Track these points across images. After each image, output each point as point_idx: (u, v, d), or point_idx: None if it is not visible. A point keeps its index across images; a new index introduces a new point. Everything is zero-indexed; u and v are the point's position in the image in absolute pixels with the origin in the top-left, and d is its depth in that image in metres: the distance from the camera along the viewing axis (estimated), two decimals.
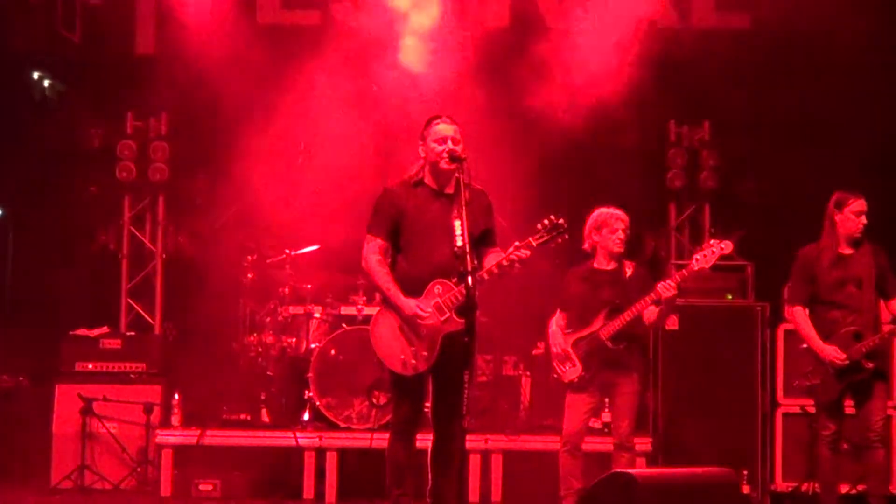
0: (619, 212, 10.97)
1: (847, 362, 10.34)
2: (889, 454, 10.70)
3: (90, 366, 13.95)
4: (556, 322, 11.07)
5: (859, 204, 10.58)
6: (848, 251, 10.59)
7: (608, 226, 10.89)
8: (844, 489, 11.33)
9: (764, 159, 14.39)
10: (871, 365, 10.37)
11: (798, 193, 13.66)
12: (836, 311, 10.52)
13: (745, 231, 13.31)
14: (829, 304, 10.56)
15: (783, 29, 14.10)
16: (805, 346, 10.70)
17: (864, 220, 10.58)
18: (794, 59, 13.98)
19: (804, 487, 13.01)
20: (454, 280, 9.07)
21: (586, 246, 10.99)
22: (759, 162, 14.47)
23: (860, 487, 11.25)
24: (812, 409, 12.81)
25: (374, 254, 9.44)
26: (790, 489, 13.16)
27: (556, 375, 10.99)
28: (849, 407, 10.81)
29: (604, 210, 11.00)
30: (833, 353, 10.37)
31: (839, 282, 10.52)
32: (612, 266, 10.96)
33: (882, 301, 10.66)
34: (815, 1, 13.42)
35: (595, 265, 11.00)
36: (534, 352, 13.72)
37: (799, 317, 10.72)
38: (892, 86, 14.10)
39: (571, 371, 10.85)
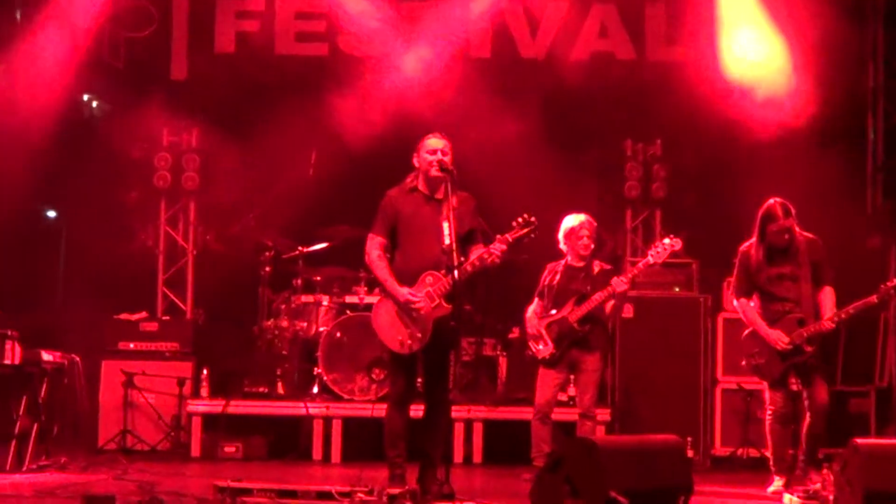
0: (585, 219, 11.16)
1: (790, 347, 10.28)
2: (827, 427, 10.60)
3: (131, 345, 13.95)
4: (532, 308, 11.19)
5: (771, 207, 10.39)
6: (777, 246, 10.43)
7: (575, 233, 11.14)
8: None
9: (706, 172, 14.39)
10: (810, 349, 10.26)
11: (734, 200, 13.69)
12: (777, 302, 10.43)
13: (690, 233, 13.30)
14: (769, 295, 10.48)
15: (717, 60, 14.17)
16: (749, 331, 10.59)
17: (773, 225, 10.36)
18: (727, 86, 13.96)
19: (739, 452, 13.11)
20: (443, 272, 9.19)
21: (561, 247, 11.16)
22: (701, 174, 14.47)
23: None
24: (746, 387, 12.97)
25: (375, 250, 9.57)
26: (727, 453, 13.21)
27: (530, 353, 11.18)
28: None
29: (570, 219, 11.18)
30: (777, 338, 10.28)
31: (777, 276, 10.43)
32: (581, 264, 11.15)
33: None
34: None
35: (568, 262, 11.17)
36: (510, 336, 13.73)
37: (743, 307, 10.62)
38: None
39: (544, 349, 10.99)
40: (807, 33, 13.76)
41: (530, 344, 11.18)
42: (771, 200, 10.43)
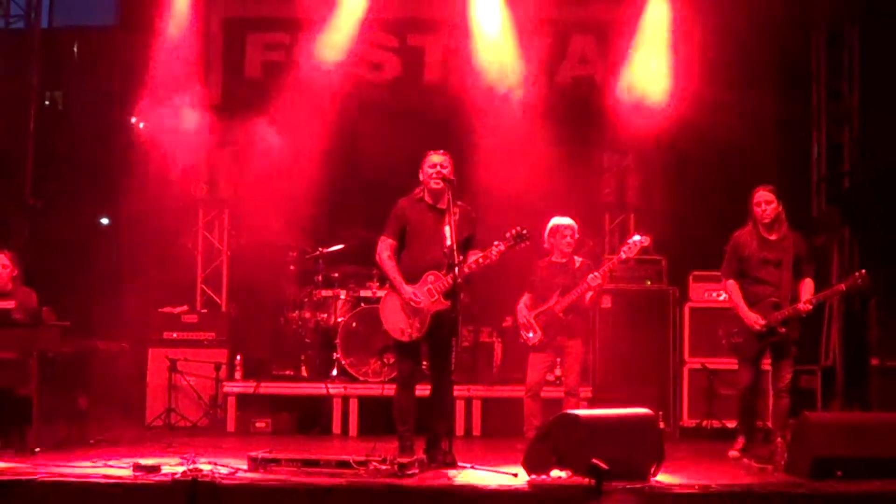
0: (567, 221, 11.24)
1: (765, 328, 10.30)
2: (791, 403, 10.60)
3: (174, 335, 13.97)
4: (523, 301, 11.29)
5: (759, 195, 10.47)
6: (772, 236, 10.44)
7: (559, 233, 11.23)
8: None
9: (673, 181, 14.39)
10: (783, 330, 10.30)
11: (698, 206, 13.74)
12: (759, 285, 10.43)
13: (659, 234, 13.29)
14: (753, 279, 10.47)
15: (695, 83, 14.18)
16: (732, 311, 10.59)
17: (765, 208, 10.43)
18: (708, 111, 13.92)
19: (704, 423, 13.11)
20: (443, 272, 9.32)
21: (546, 245, 11.20)
22: (669, 183, 14.46)
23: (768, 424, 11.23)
24: (711, 367, 13.00)
25: (386, 251, 9.76)
26: (694, 425, 13.20)
27: (522, 340, 11.27)
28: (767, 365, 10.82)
29: (556, 220, 11.28)
30: (754, 319, 10.31)
31: (762, 262, 10.42)
32: (564, 260, 11.24)
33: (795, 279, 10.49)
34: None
35: (553, 259, 11.27)
36: (503, 324, 13.74)
37: (731, 288, 10.60)
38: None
39: (534, 336, 11.09)
40: (756, 58, 13.79)
41: (521, 332, 11.26)
42: (759, 186, 10.56)
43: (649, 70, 14.34)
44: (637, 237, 11.09)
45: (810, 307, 10.33)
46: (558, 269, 11.22)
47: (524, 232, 9.64)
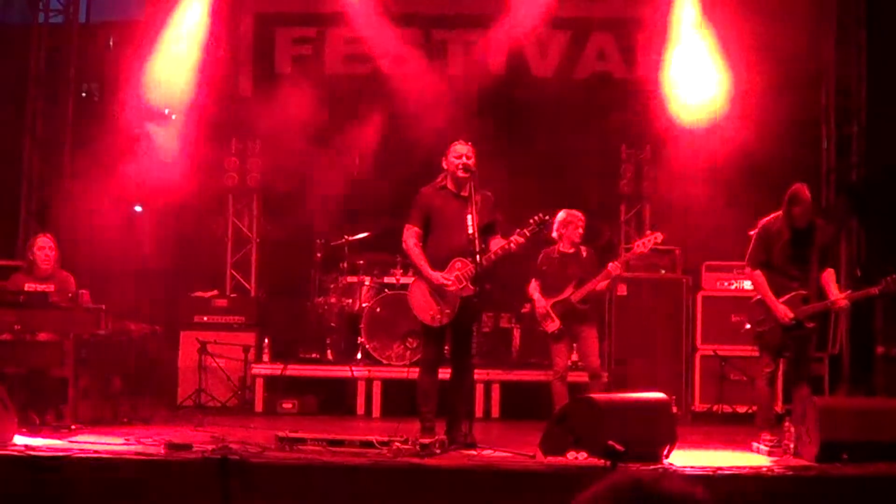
0: (578, 213, 11.34)
1: (793, 322, 9.91)
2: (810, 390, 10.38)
3: (205, 318, 14.00)
4: (533, 288, 11.34)
5: (798, 190, 9.97)
6: (799, 227, 9.99)
7: (571, 223, 11.26)
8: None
9: (688, 173, 14.35)
10: (811, 325, 9.96)
11: (713, 198, 13.69)
12: (785, 278, 10.02)
13: (674, 224, 13.27)
14: (779, 270, 10.05)
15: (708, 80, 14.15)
16: (757, 299, 10.17)
17: (798, 208, 9.94)
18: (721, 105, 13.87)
19: (715, 408, 13.10)
20: (469, 258, 9.31)
21: (555, 235, 11.23)
22: (686, 175, 14.41)
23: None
24: (722, 354, 12.98)
25: (411, 238, 9.76)
26: (705, 409, 13.20)
27: (541, 328, 11.26)
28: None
29: (567, 211, 11.32)
30: (783, 312, 9.88)
31: (790, 255, 10.00)
32: (572, 250, 11.28)
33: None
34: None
35: (561, 248, 11.29)
36: (522, 310, 13.75)
37: (757, 278, 10.13)
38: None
39: (552, 325, 11.12)
40: (770, 57, 13.74)
41: (540, 321, 11.28)
42: (797, 184, 10.10)
43: (669, 66, 14.31)
44: (650, 234, 11.21)
45: (847, 303, 10.12)
46: (569, 260, 11.25)
47: (546, 218, 9.66)
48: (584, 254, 11.32)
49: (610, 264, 11.07)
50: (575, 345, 11.46)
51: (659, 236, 11.05)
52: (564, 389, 11.11)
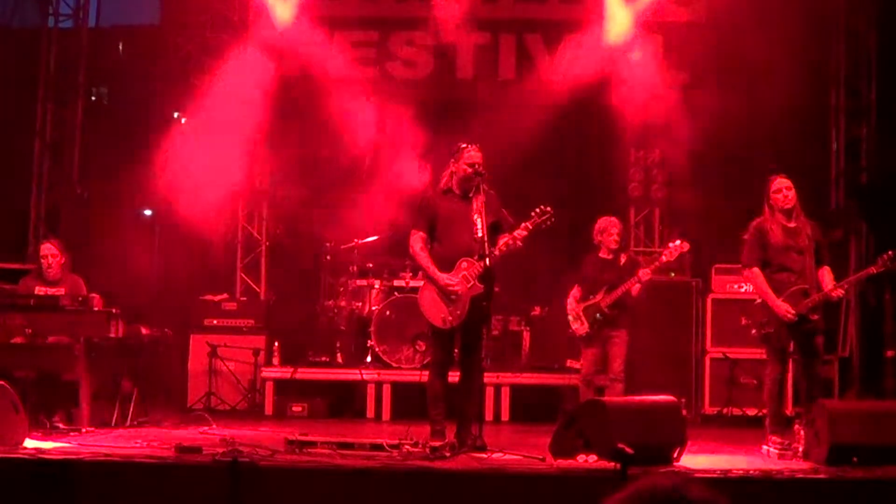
0: (614, 220, 11.56)
1: (796, 318, 9.84)
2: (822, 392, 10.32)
3: (215, 321, 14.04)
4: (573, 294, 11.49)
5: (778, 182, 10.06)
6: (791, 224, 10.02)
7: (607, 231, 11.47)
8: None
9: (697, 177, 14.35)
10: (815, 317, 9.91)
11: (721, 201, 13.69)
12: (783, 273, 9.98)
13: (683, 227, 13.29)
14: (777, 266, 10.02)
15: (718, 83, 14.14)
16: (760, 301, 10.14)
17: (787, 194, 10.01)
18: (731, 108, 13.83)
19: (724, 411, 13.09)
20: (475, 258, 9.33)
21: (595, 242, 11.48)
22: (694, 179, 14.41)
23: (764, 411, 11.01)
24: (732, 356, 12.97)
25: (417, 243, 9.75)
26: (715, 412, 13.19)
27: (571, 331, 11.46)
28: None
29: (604, 219, 11.55)
30: (784, 310, 9.82)
31: (787, 249, 9.98)
32: (611, 256, 11.46)
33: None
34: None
35: (600, 255, 11.49)
36: (532, 313, 13.77)
37: (756, 277, 10.09)
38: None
39: (581, 328, 11.32)
40: (780, 58, 13.71)
41: (571, 323, 11.42)
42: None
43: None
44: (678, 242, 11.33)
45: (842, 292, 10.04)
46: (606, 265, 11.41)
47: (548, 209, 9.55)
48: (623, 260, 11.52)
49: (640, 270, 11.22)
50: (605, 349, 11.43)
51: (686, 245, 11.22)
52: (590, 393, 11.17)
